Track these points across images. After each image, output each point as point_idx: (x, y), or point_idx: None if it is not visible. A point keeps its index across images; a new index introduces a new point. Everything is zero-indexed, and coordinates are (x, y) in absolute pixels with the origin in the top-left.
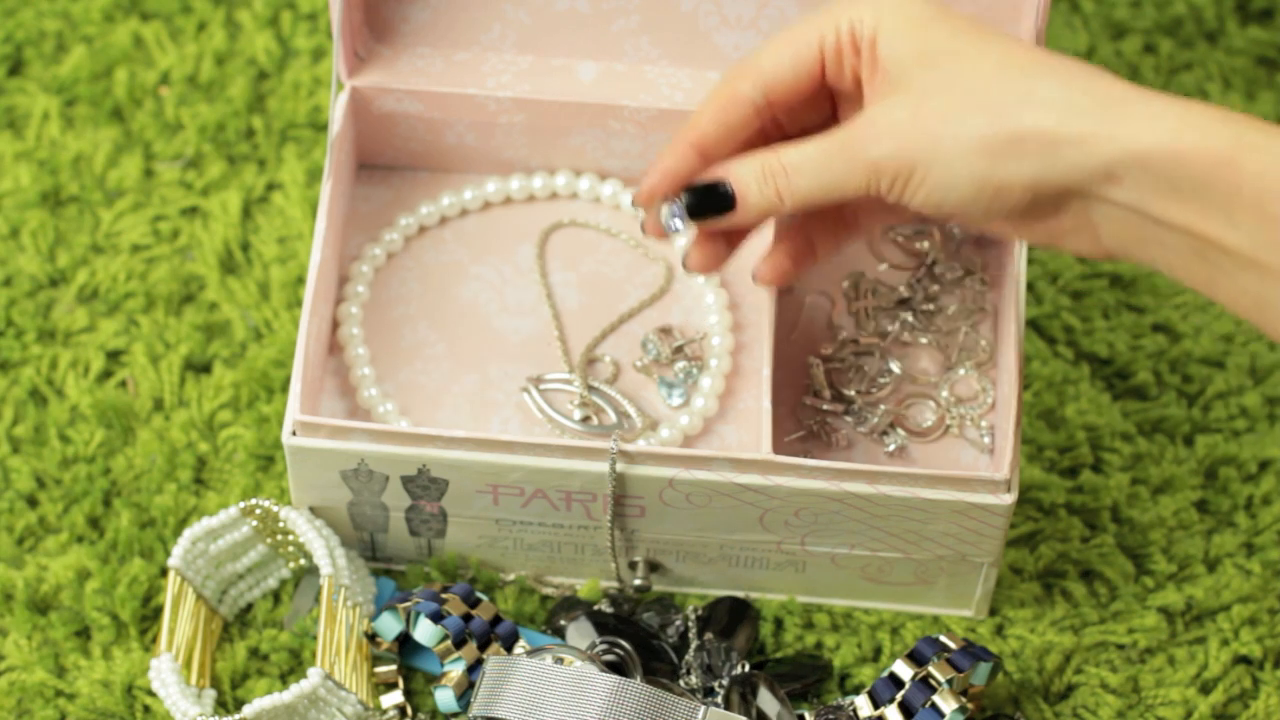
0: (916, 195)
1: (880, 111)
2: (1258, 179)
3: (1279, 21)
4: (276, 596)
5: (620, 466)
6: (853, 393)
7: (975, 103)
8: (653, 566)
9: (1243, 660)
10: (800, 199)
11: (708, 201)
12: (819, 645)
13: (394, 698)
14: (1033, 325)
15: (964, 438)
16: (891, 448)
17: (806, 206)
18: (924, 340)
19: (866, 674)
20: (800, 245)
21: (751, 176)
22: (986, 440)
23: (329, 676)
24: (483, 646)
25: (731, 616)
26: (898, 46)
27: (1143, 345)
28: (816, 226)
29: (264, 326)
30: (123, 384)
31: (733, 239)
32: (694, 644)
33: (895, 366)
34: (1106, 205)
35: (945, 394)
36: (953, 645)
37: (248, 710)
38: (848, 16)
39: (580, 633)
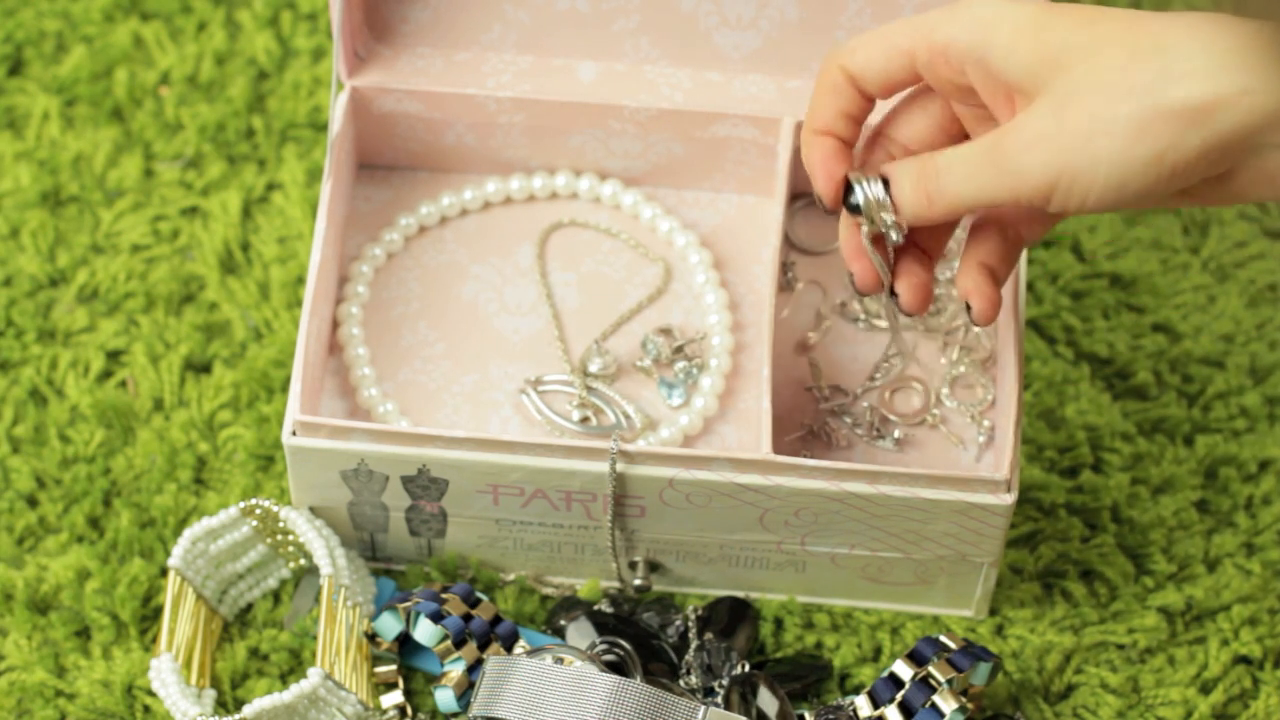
0: (1088, 199)
1: (1025, 121)
2: None
3: None
4: (276, 596)
5: (620, 466)
6: (852, 392)
7: (1118, 93)
8: (653, 566)
9: (1243, 660)
10: (949, 204)
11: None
12: (819, 645)
13: (394, 698)
14: (1033, 325)
15: (955, 434)
16: (898, 434)
17: (958, 213)
18: (923, 339)
19: (866, 674)
20: (989, 275)
21: (906, 176)
22: (983, 439)
23: (329, 676)
24: (483, 646)
25: (731, 616)
26: (1019, 58)
27: (1143, 345)
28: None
29: (264, 326)
30: (123, 384)
31: (926, 265)
32: (694, 644)
33: (894, 364)
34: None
35: (945, 393)
36: (953, 645)
37: (248, 710)
38: (943, 34)
39: (580, 633)
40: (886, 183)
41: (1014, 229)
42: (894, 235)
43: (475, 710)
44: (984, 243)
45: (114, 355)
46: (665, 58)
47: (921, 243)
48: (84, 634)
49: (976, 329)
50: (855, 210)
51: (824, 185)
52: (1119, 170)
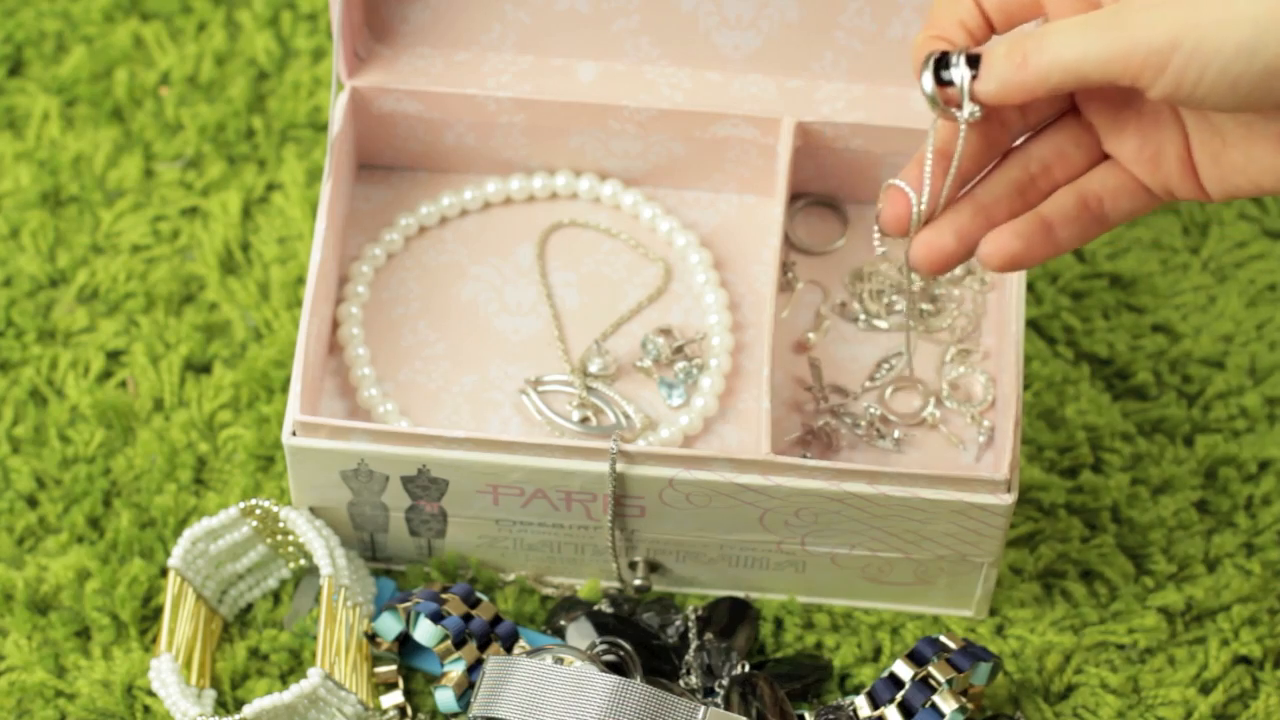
0: (1209, 70)
1: None
2: None
3: None
4: (276, 596)
5: (620, 466)
6: (849, 392)
7: None
8: (653, 566)
9: (1243, 660)
10: (1045, 66)
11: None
12: (819, 645)
13: (394, 698)
14: (1033, 325)
15: (955, 434)
16: (897, 434)
17: (1052, 82)
18: (923, 339)
19: (866, 674)
20: (1035, 225)
21: (1003, 42)
22: (982, 440)
23: (329, 676)
24: (483, 646)
25: (731, 616)
26: None
27: (1143, 345)
28: (1055, 206)
29: (264, 326)
30: (123, 384)
31: (961, 234)
32: (694, 644)
33: (892, 364)
34: None
35: (945, 393)
36: (953, 645)
37: (248, 710)
38: None
39: (580, 633)
40: (976, 62)
41: (1097, 199)
42: (966, 111)
43: (475, 710)
44: (1058, 201)
45: (114, 355)
46: (665, 58)
47: (986, 198)
48: (84, 634)
49: (980, 335)
50: (925, 94)
51: (918, 70)
52: (1258, 32)
